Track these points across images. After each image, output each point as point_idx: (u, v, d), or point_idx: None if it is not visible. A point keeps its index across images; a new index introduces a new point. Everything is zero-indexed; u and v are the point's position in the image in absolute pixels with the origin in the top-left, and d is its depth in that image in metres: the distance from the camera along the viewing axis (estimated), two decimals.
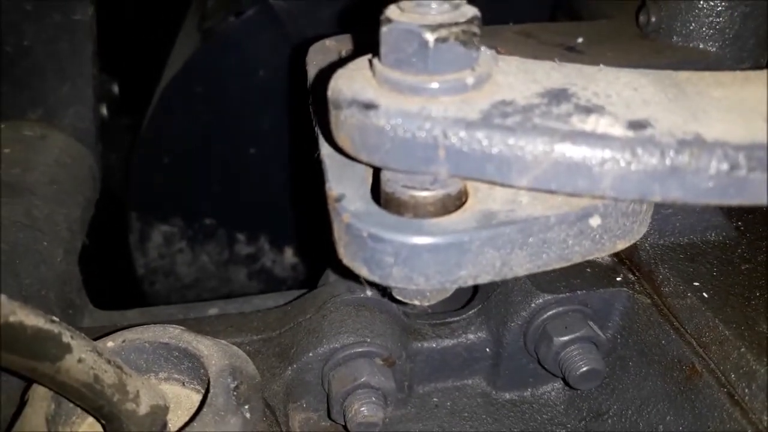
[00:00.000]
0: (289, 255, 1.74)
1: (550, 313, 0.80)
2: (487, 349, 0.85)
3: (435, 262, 0.51)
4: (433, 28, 0.47)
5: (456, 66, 0.49)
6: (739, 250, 0.79)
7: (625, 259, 0.84)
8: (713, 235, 0.82)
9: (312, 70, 0.80)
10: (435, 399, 0.87)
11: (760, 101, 0.48)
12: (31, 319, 0.53)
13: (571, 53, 0.87)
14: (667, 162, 0.43)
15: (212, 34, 1.50)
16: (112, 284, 1.63)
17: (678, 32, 0.90)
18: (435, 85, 0.48)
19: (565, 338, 0.78)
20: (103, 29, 1.23)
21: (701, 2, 0.87)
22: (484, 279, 0.53)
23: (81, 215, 1.02)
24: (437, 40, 0.47)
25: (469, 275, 0.52)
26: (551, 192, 0.47)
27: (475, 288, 0.92)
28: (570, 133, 0.44)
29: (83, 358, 0.57)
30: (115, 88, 2.01)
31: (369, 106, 0.48)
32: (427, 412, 0.85)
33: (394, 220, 0.52)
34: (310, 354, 0.78)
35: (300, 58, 0.89)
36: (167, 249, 1.65)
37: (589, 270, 0.84)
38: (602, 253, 0.56)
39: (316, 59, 0.83)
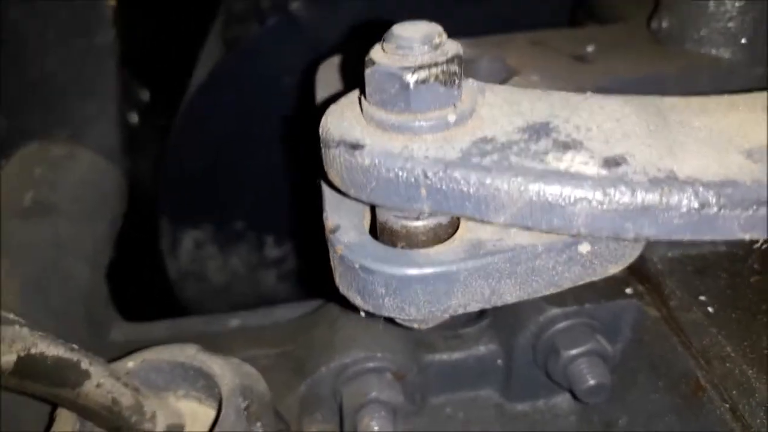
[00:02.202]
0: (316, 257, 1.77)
1: (559, 326, 0.81)
2: (499, 361, 0.87)
3: (425, 293, 0.53)
4: (413, 69, 0.48)
5: (438, 104, 0.50)
6: (749, 261, 0.79)
7: (635, 270, 0.84)
8: (724, 246, 0.81)
9: (319, 91, 0.82)
10: (448, 410, 0.88)
11: (739, 131, 0.48)
12: (51, 349, 0.58)
13: (580, 63, 0.87)
14: (639, 201, 0.43)
15: (235, 42, 1.54)
16: (144, 289, 1.68)
17: (690, 38, 0.89)
18: (417, 123, 0.50)
19: (573, 352, 0.78)
20: (132, 34, 1.27)
21: (713, 8, 0.86)
22: (474, 307, 0.54)
23: (107, 231, 1.06)
24: (417, 82, 0.48)
25: (459, 304, 0.54)
26: (528, 229, 0.48)
27: None
28: (543, 173, 0.45)
29: (102, 382, 0.61)
30: (145, 95, 2.07)
31: (355, 146, 0.50)
32: (440, 423, 0.87)
33: (385, 252, 0.54)
34: (323, 369, 0.81)
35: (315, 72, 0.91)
36: (198, 254, 1.70)
37: (598, 282, 0.84)
38: (594, 277, 0.57)
39: (324, 78, 0.85)
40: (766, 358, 0.66)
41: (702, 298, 0.74)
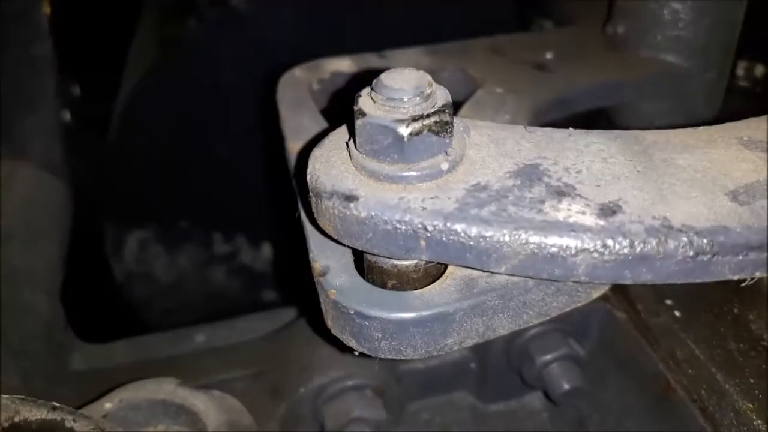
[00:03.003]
0: (266, 250, 1.75)
1: (531, 332, 0.83)
2: (472, 365, 0.89)
3: (421, 335, 0.53)
4: (407, 122, 0.48)
5: (430, 153, 0.50)
6: None
7: None
8: None
9: (284, 111, 0.80)
10: (425, 415, 0.90)
11: (721, 169, 0.50)
12: (34, 413, 0.55)
13: (541, 72, 0.88)
14: (637, 251, 0.45)
15: (172, 39, 1.48)
16: (93, 291, 1.63)
17: (645, 44, 0.90)
18: (411, 173, 0.49)
19: (547, 357, 0.81)
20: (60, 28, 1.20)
21: (667, 15, 0.88)
22: (469, 343, 0.55)
23: (59, 252, 1.02)
24: (411, 134, 0.48)
25: (455, 342, 0.54)
26: (529, 278, 0.49)
27: None
28: (543, 224, 0.46)
29: None
30: (76, 90, 1.97)
31: (349, 198, 0.49)
32: (418, 429, 0.89)
33: (379, 295, 0.53)
34: (302, 390, 0.81)
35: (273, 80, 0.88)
36: (143, 254, 1.66)
37: None
38: (579, 303, 0.59)
39: (287, 96, 0.83)
40: (734, 360, 0.70)
41: (668, 301, 0.78)
